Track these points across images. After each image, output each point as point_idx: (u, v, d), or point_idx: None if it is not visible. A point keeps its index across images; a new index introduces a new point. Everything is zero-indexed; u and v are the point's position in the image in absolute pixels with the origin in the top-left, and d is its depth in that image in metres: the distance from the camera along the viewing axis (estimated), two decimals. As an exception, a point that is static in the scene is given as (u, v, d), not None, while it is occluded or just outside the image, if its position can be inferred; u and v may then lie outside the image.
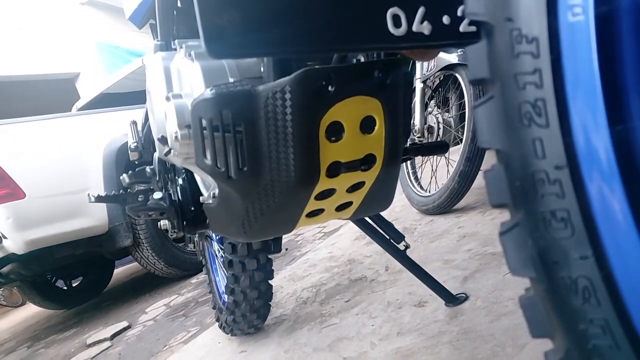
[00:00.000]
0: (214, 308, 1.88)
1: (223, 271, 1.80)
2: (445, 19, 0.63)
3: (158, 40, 1.05)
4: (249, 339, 1.67)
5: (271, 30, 0.54)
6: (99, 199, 1.02)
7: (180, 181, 1.05)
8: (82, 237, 3.12)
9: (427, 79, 2.29)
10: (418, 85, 2.26)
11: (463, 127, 2.11)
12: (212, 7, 0.52)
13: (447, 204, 2.10)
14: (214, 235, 1.79)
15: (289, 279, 2.19)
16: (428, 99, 2.40)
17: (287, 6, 0.54)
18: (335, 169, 0.72)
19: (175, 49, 0.92)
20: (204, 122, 0.69)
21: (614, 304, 0.30)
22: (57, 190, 2.99)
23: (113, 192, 1.04)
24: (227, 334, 1.70)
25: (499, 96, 0.34)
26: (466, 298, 1.32)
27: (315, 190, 0.74)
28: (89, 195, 1.04)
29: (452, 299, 1.32)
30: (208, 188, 0.94)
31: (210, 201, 0.86)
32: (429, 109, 2.42)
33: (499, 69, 0.34)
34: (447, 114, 2.34)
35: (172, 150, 0.83)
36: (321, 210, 0.82)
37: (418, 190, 2.35)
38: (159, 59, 0.90)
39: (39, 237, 2.84)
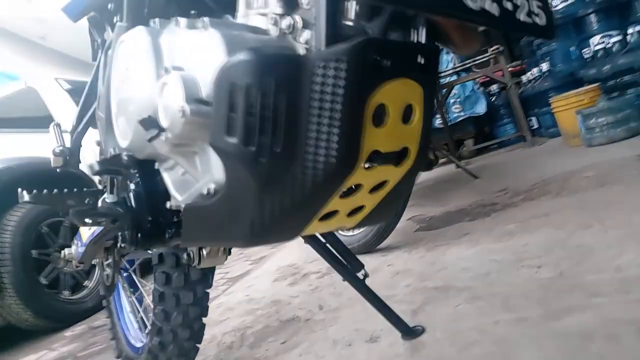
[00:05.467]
0: (118, 357, 1.59)
1: (138, 310, 1.55)
2: (510, 5, 0.62)
3: (122, 23, 0.91)
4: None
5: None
6: (34, 197, 0.80)
7: (134, 186, 0.88)
8: None
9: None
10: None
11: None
12: None
13: (373, 242, 2.08)
14: (126, 264, 1.55)
15: (203, 324, 1.96)
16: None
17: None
18: (372, 159, 0.65)
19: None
20: (237, 91, 0.58)
21: None
22: None
23: (54, 190, 0.83)
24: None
25: None
26: (423, 330, 1.28)
27: (348, 182, 0.65)
28: (20, 192, 0.81)
29: (409, 332, 1.26)
30: (185, 190, 0.79)
31: (204, 200, 0.71)
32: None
33: None
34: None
35: (162, 134, 0.69)
36: (335, 213, 0.72)
37: (343, 231, 2.31)
38: (143, 34, 0.76)
39: None
